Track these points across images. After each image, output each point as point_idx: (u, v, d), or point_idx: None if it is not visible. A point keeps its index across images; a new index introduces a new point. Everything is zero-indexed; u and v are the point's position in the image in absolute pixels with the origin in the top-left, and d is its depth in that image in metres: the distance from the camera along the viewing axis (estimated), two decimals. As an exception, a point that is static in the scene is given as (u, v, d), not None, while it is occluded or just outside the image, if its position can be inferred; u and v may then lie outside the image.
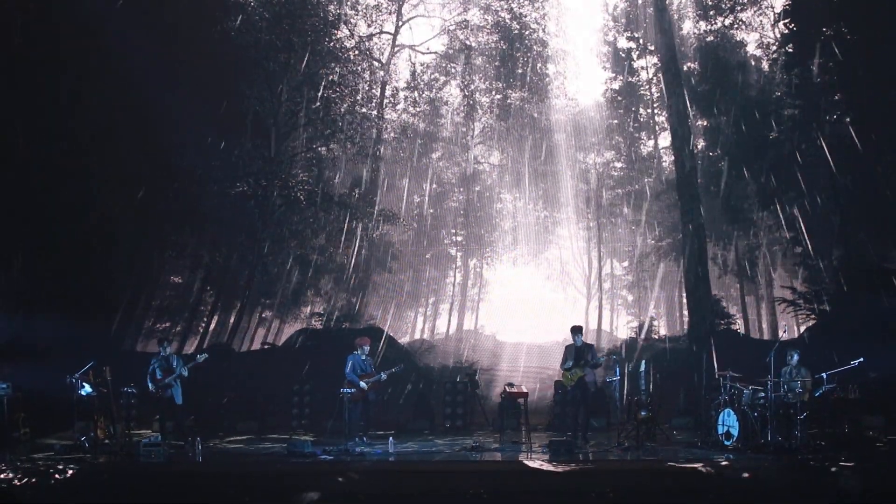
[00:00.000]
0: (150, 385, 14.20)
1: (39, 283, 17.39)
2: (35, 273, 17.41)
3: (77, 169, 17.56)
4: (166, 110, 19.18)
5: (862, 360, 12.76)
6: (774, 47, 31.32)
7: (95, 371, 13.67)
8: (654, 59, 39.16)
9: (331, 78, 27.21)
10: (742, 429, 12.69)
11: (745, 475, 10.45)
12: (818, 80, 23.02)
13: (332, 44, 27.70)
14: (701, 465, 11.17)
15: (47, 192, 17.02)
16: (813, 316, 23.93)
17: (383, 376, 14.42)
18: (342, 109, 28.00)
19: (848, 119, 22.66)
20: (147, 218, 20.61)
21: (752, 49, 32.82)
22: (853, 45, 21.46)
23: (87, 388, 13.50)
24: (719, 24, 31.19)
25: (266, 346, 26.74)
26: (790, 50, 24.78)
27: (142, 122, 19.09)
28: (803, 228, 24.75)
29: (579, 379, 14.15)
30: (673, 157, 39.55)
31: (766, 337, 33.28)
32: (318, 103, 26.58)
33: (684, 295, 41.45)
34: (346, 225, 28.98)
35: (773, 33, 31.95)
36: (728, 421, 12.97)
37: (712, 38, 31.64)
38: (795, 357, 13.40)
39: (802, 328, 39.72)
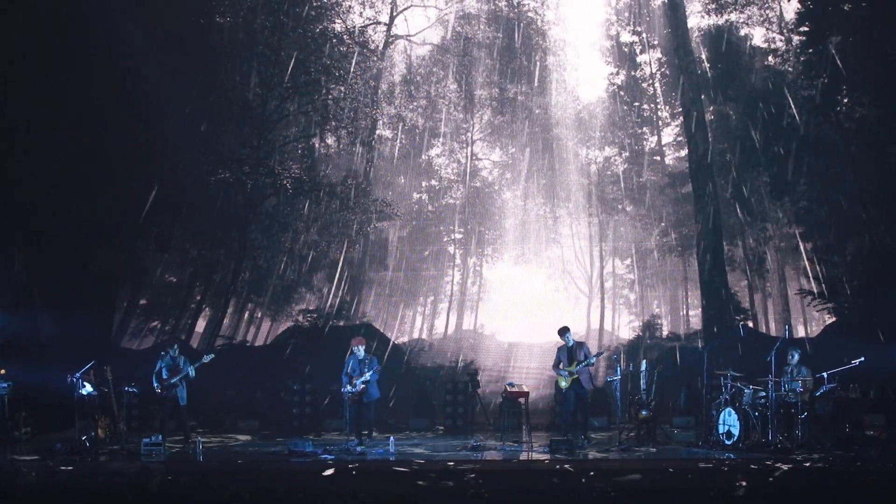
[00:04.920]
0: (155, 385, 14.58)
1: (39, 280, 17.68)
2: (34, 269, 17.70)
3: (75, 162, 17.81)
4: (152, 95, 19.24)
5: (863, 359, 13.14)
6: (783, 42, 31.53)
7: (96, 370, 14.05)
8: (658, 54, 39.58)
9: (324, 62, 27.06)
10: (743, 428, 13.06)
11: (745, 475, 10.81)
12: (836, 60, 22.62)
13: (324, 25, 27.70)
14: (702, 464, 11.56)
15: (46, 187, 17.30)
16: (831, 308, 23.84)
17: (364, 377, 14.45)
18: (335, 95, 28.07)
19: (866, 101, 22.51)
20: (130, 208, 20.57)
21: (758, 42, 33.08)
22: (872, 21, 21.23)
23: (88, 388, 13.87)
24: (724, 20, 31.33)
25: (223, 344, 25.89)
26: (806, 29, 24.59)
27: (127, 106, 19.12)
28: (817, 221, 24.68)
29: (574, 380, 14.55)
30: (676, 152, 40.37)
31: (774, 334, 33.48)
32: (309, 88, 26.49)
33: (689, 293, 42.02)
34: (339, 217, 29.01)
35: (780, 26, 32.22)
36: (729, 420, 13.33)
37: (720, 25, 31.78)
38: (796, 356, 13.78)
39: (813, 325, 40.25)
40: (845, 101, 23.42)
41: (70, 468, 11.74)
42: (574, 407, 14.91)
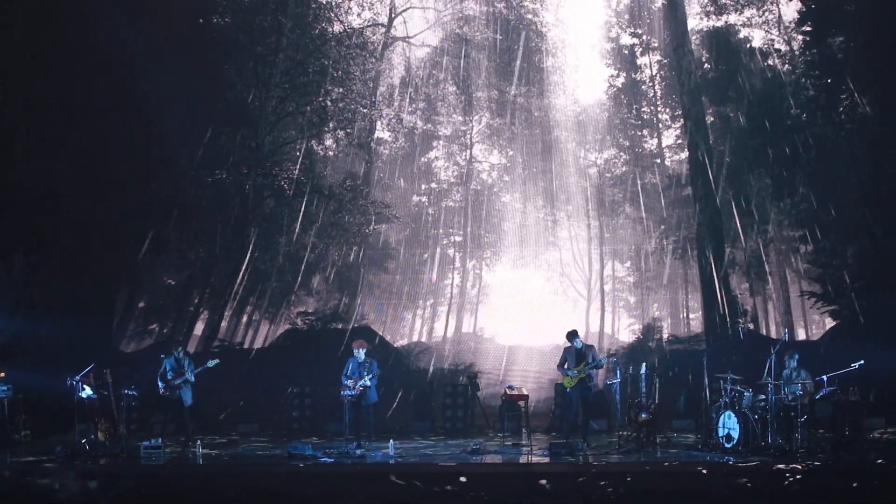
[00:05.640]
0: (160, 385, 14.65)
1: (39, 283, 17.78)
2: (35, 272, 17.80)
3: (74, 164, 17.91)
4: (150, 96, 19.31)
5: (863, 361, 13.23)
6: (783, 44, 31.64)
7: (96, 373, 14.14)
8: (658, 56, 39.79)
9: (322, 63, 27.00)
10: (743, 431, 13.12)
11: (745, 478, 10.90)
12: (838, 60, 22.68)
13: (323, 26, 27.64)
14: (701, 467, 11.65)
15: (45, 189, 17.40)
16: (832, 311, 23.83)
17: (367, 382, 14.41)
18: (333, 96, 28.06)
19: (867, 101, 22.34)
20: (129, 210, 20.59)
21: (758, 44, 33.22)
22: (874, 21, 21.08)
23: (88, 391, 13.95)
24: (723, 21, 31.44)
25: (216, 347, 25.27)
26: (808, 29, 24.55)
27: (126, 108, 19.22)
28: (818, 223, 24.64)
29: (580, 381, 14.60)
30: (676, 154, 40.54)
31: (774, 336, 33.53)
32: (307, 89, 26.47)
33: (689, 296, 42.13)
34: (337, 220, 28.97)
35: (778, 28, 32.39)
36: (729, 423, 13.40)
37: (720, 25, 31.90)
38: (795, 360, 13.89)
39: (814, 328, 40.30)
40: (846, 101, 23.41)
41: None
42: (577, 408, 14.95)
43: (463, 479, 11.28)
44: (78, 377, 13.86)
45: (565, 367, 14.71)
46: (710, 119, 32.28)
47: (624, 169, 42.39)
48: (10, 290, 17.57)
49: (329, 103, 27.76)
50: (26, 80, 17.66)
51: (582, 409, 14.92)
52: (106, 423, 14.38)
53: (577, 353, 14.69)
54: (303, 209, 27.41)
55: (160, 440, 13.34)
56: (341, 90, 28.39)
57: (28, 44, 17.89)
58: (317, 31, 27.33)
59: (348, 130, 29.91)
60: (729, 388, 13.74)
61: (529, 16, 39.41)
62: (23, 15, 17.69)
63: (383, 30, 35.83)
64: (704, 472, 11.34)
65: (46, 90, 17.82)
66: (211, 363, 14.83)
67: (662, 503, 10.42)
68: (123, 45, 18.42)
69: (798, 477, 10.82)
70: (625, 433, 15.03)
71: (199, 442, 13.59)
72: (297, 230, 28.29)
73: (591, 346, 15.17)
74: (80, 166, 18.00)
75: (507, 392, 16.14)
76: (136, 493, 10.93)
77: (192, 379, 14.65)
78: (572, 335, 14.88)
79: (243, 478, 12.04)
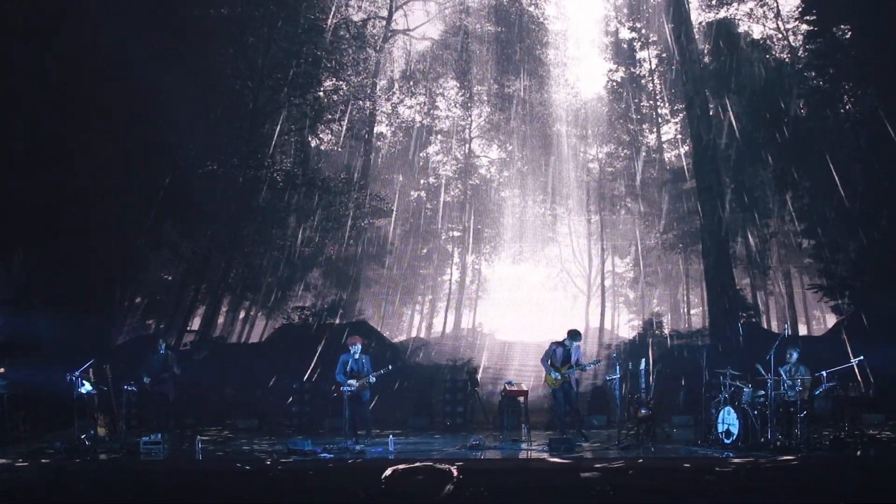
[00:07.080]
0: (145, 380, 14.79)
1: (38, 280, 17.90)
2: (33, 269, 17.92)
3: (71, 161, 18.02)
4: (146, 91, 19.39)
5: (862, 357, 13.38)
6: (784, 36, 31.67)
7: (95, 369, 14.27)
8: (657, 51, 39.86)
9: (316, 54, 26.87)
10: (742, 427, 13.23)
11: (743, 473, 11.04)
12: (844, 49, 22.66)
13: (316, 16, 27.47)
14: (700, 463, 11.80)
15: (44, 187, 17.51)
16: (835, 305, 23.80)
17: (372, 378, 14.44)
18: (328, 88, 27.96)
19: (871, 93, 22.42)
20: (128, 206, 20.67)
21: (759, 36, 33.25)
22: (879, 10, 21.11)
23: (87, 386, 14.07)
24: (724, 14, 31.46)
25: (195, 341, 25.18)
26: (812, 18, 24.60)
27: (123, 103, 19.32)
28: (820, 217, 24.66)
29: (565, 382, 14.72)
30: (675, 148, 40.58)
31: (775, 331, 33.56)
32: (301, 80, 26.33)
33: (689, 291, 42.26)
34: (332, 212, 28.98)
35: (776, 20, 32.46)
36: (728, 419, 13.52)
37: (721, 19, 31.92)
38: (794, 355, 14.03)
39: (814, 325, 40.39)
40: (850, 93, 23.38)
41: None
42: (564, 405, 15.05)
43: (462, 474, 11.41)
44: (77, 373, 13.97)
45: (549, 363, 14.80)
46: (711, 112, 32.36)
47: (624, 163, 42.48)
48: (10, 288, 17.68)
49: (322, 94, 27.70)
50: (24, 80, 17.74)
51: (572, 406, 15.04)
52: (106, 418, 14.51)
53: (564, 353, 14.78)
54: (297, 202, 27.45)
55: (160, 435, 13.46)
56: (336, 82, 28.33)
57: (25, 43, 17.97)
58: (310, 23, 27.23)
59: (343, 123, 29.90)
60: (728, 383, 13.88)
61: (531, 8, 39.50)
62: (22, 12, 17.76)
63: (384, 23, 35.91)
64: (703, 467, 11.46)
65: (44, 89, 17.92)
66: (198, 355, 14.98)
67: (661, 499, 10.53)
68: (118, 43, 18.44)
69: (796, 472, 10.98)
70: (624, 429, 15.18)
71: (198, 437, 13.72)
72: (292, 224, 28.34)
73: (579, 348, 15.24)
74: (77, 163, 18.10)
75: (507, 388, 16.27)
76: (135, 489, 11.05)
77: (179, 372, 14.77)
78: (575, 335, 14.93)
79: (243, 473, 12.16)
